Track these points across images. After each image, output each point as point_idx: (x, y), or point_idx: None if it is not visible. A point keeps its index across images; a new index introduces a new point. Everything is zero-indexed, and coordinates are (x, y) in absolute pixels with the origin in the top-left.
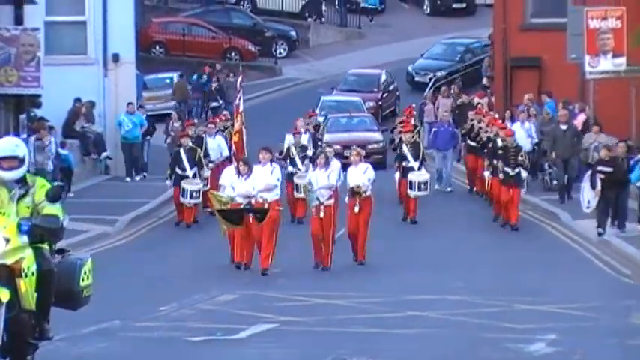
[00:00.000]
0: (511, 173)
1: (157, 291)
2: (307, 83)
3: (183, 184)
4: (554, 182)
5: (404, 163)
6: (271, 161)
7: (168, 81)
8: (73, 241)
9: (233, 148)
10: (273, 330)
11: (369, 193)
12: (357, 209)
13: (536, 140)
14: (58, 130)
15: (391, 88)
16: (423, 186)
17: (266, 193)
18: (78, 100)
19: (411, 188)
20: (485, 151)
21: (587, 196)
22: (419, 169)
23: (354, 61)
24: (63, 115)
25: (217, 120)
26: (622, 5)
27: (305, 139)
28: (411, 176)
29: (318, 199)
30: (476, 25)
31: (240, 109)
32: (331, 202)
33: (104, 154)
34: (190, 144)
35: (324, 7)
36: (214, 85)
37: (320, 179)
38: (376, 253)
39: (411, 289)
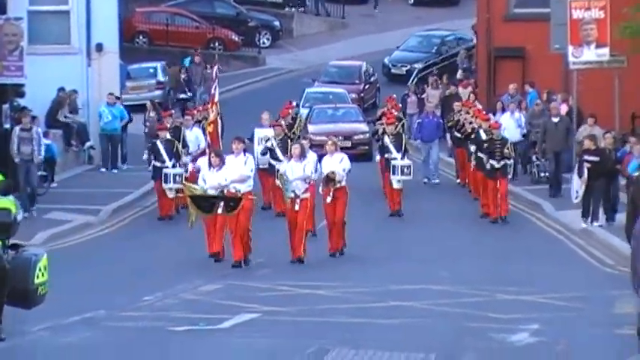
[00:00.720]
0: (497, 166)
1: (141, 281)
2: (291, 73)
3: (165, 170)
4: (542, 174)
5: (386, 155)
6: (245, 151)
7: (152, 70)
8: (56, 230)
9: (208, 138)
10: (257, 320)
11: (343, 183)
12: (329, 199)
13: (525, 131)
14: (41, 119)
15: (372, 80)
16: (406, 170)
17: (239, 183)
18: (62, 89)
19: (394, 173)
20: (469, 143)
21: (576, 186)
22: (401, 159)
23: (337, 51)
24: (46, 104)
25: (195, 112)
26: None
27: (270, 132)
28: (393, 162)
29: (294, 191)
30: (460, 16)
31: (216, 99)
32: (307, 195)
33: (87, 144)
34: (168, 136)
35: None
36: (183, 76)
37: (295, 170)
38: (361, 243)
39: (395, 280)
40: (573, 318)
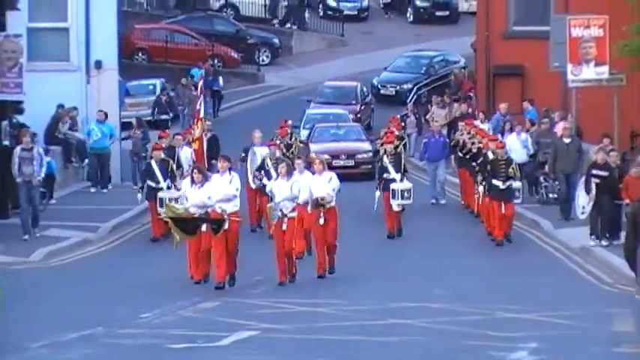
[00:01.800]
0: (501, 187)
1: (139, 298)
2: (290, 91)
3: (160, 194)
4: (551, 195)
5: (385, 175)
6: (230, 170)
7: (151, 87)
8: (55, 247)
9: (193, 155)
10: (255, 337)
11: (333, 203)
12: (321, 221)
13: (532, 151)
14: (40, 136)
15: (367, 100)
16: (406, 194)
17: (225, 203)
18: (61, 106)
19: (393, 197)
20: (475, 165)
21: (582, 202)
22: (400, 180)
23: (337, 69)
24: (45, 121)
25: (192, 130)
26: (604, 14)
27: (264, 150)
28: (393, 185)
29: (281, 210)
30: (459, 33)
31: (201, 115)
32: (294, 214)
33: (86, 161)
34: (162, 155)
35: (307, 15)
36: (164, 98)
37: (282, 189)
38: (361, 261)
39: (394, 297)
40: (572, 336)
